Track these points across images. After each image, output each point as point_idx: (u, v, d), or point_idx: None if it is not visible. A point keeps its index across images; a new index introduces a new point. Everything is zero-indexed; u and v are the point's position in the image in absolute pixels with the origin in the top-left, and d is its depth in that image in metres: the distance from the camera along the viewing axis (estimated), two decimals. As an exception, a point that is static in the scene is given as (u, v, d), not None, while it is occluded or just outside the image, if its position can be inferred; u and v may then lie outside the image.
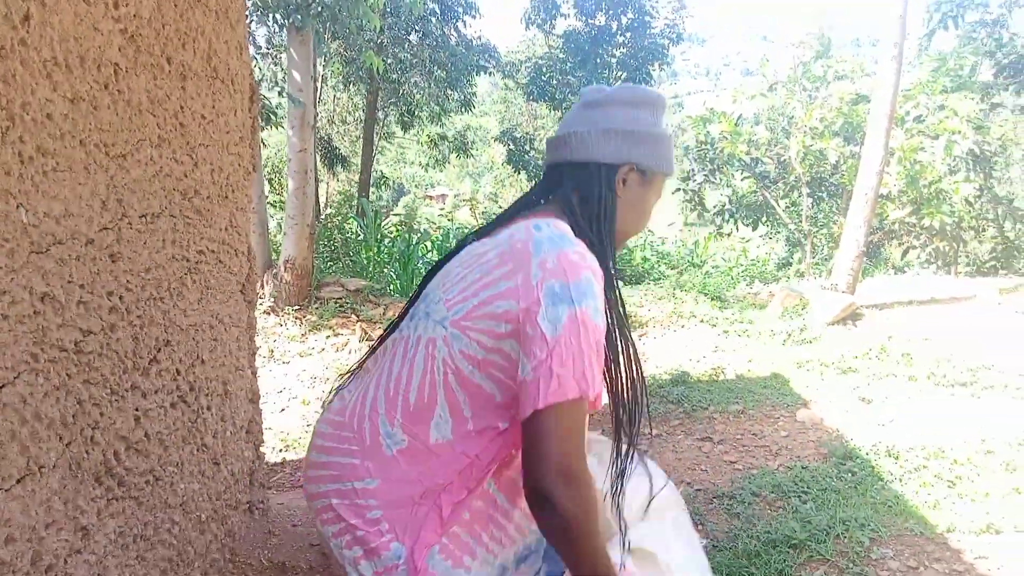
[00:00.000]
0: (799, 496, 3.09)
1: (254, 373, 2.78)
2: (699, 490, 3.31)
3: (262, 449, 2.85)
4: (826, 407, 4.27)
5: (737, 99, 11.06)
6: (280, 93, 9.71)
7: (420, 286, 1.51)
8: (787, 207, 10.99)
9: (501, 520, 1.35)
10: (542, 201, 1.50)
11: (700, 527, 2.88)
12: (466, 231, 9.85)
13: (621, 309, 1.37)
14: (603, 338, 1.22)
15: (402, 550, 1.28)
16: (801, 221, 10.24)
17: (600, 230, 1.38)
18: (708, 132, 11.30)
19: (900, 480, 3.23)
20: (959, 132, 9.04)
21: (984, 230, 10.98)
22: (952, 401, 4.31)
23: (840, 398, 4.37)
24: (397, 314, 1.70)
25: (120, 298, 1.80)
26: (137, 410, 1.88)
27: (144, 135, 1.91)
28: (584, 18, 17.31)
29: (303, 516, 2.88)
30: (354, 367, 1.59)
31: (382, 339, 1.55)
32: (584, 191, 1.40)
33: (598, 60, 17.74)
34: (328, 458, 1.39)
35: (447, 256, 1.51)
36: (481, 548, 1.32)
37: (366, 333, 5.61)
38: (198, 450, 2.28)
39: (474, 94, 17.65)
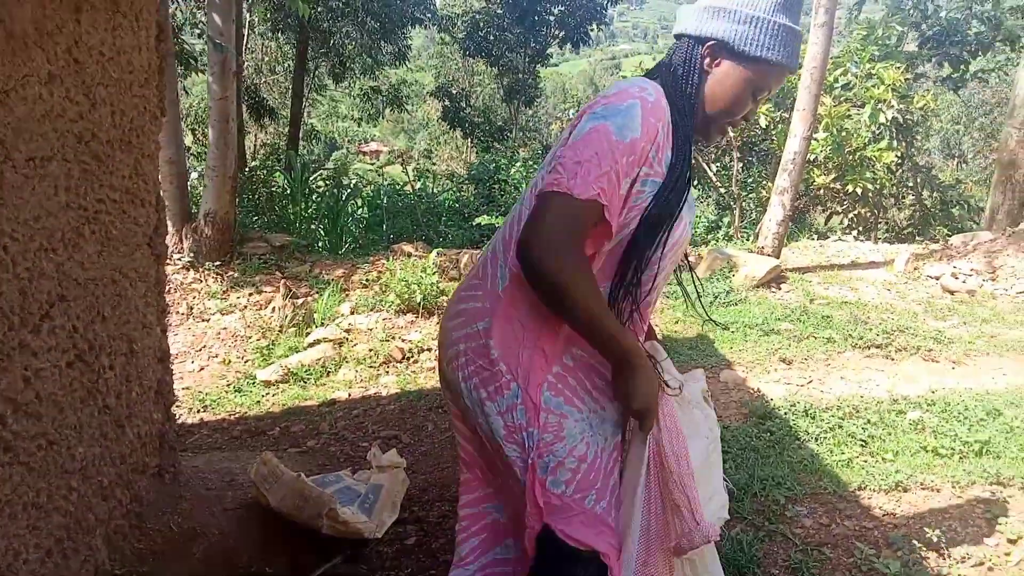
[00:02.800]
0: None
1: (163, 331, 2.64)
2: (624, 449, 3.34)
3: (173, 410, 2.72)
4: (749, 368, 4.36)
5: (672, 61, 11.04)
6: (201, 36, 9.23)
7: None
8: (718, 171, 11.13)
9: (604, 371, 1.43)
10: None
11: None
12: (397, 188, 9.63)
13: (686, 177, 1.41)
14: (624, 157, 1.29)
15: (519, 390, 1.39)
16: (731, 185, 10.39)
17: (681, 101, 1.43)
18: (643, 94, 11.27)
19: (816, 439, 3.32)
20: (885, 100, 9.26)
21: (904, 198, 11.36)
22: (867, 362, 4.46)
23: (762, 359, 4.47)
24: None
25: (3, 248, 1.65)
26: (27, 370, 1.74)
27: (31, 70, 1.74)
28: (523, -27, 17.00)
29: (218, 479, 2.78)
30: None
31: None
32: (675, 62, 1.46)
33: (536, 17, 17.48)
34: (461, 306, 1.50)
35: None
36: (586, 395, 1.43)
37: (289, 290, 5.44)
38: (99, 412, 2.14)
39: (409, 47, 17.19)
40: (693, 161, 1.52)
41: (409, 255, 6.37)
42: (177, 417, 3.91)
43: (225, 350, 4.83)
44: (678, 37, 1.50)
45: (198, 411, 4.03)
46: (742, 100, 1.45)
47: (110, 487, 2.17)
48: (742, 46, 1.41)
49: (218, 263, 5.74)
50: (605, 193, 1.28)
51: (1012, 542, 2.47)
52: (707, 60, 1.44)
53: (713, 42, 1.43)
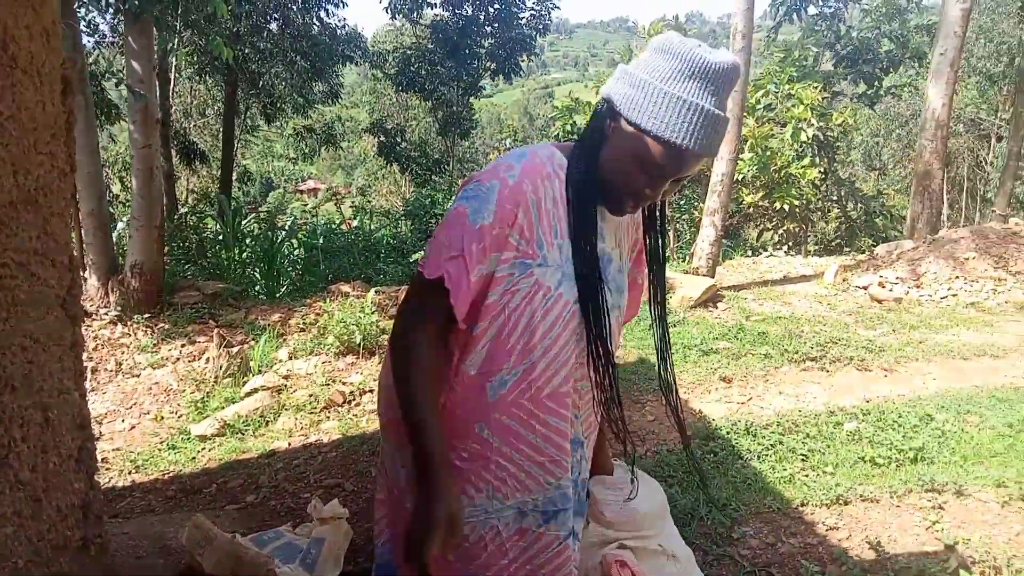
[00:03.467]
0: (665, 480, 3.15)
1: (82, 395, 2.50)
2: (570, 481, 3.31)
3: (98, 477, 2.59)
4: (690, 389, 4.41)
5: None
6: (118, 85, 9.04)
7: None
8: (652, 194, 11.37)
9: (502, 462, 1.42)
10: None
11: (571, 520, 2.87)
12: (332, 225, 9.54)
13: (590, 243, 1.37)
14: (473, 243, 1.29)
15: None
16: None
17: (581, 164, 1.37)
18: (575, 122, 11.49)
19: (758, 457, 3.36)
20: (805, 119, 9.62)
21: (829, 211, 11.78)
22: (804, 376, 4.56)
23: (703, 379, 4.52)
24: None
25: None
26: (-76, 452, 1.63)
27: (-84, 134, 1.65)
28: (451, 8, 17.17)
29: (150, 545, 2.65)
30: None
31: None
32: (589, 123, 1.40)
33: (467, 51, 17.66)
34: None
35: None
36: (484, 484, 1.42)
37: (224, 339, 5.29)
38: (12, 488, 2.02)
39: (341, 84, 17.14)
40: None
41: (347, 295, 6.27)
42: (106, 481, 3.75)
43: (157, 405, 4.65)
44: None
45: (129, 472, 3.85)
46: (626, 171, 1.31)
47: (26, 568, 2.04)
48: (627, 110, 1.28)
49: (147, 315, 5.56)
50: (451, 277, 1.29)
51: (949, 548, 2.53)
52: (608, 122, 1.33)
53: (608, 103, 1.34)
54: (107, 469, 3.84)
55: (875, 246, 9.25)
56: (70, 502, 2.38)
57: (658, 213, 1.49)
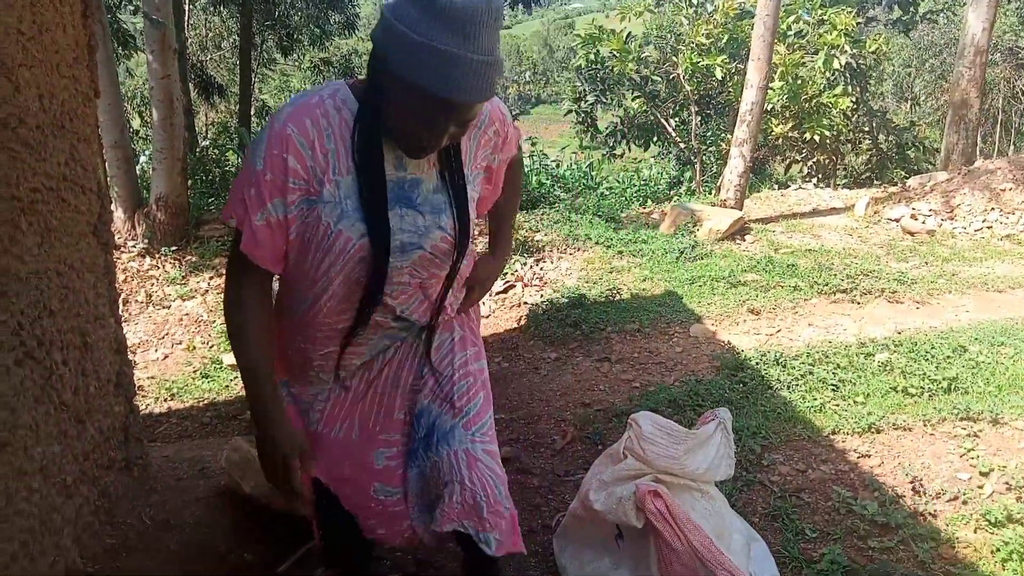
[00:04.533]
0: (694, 409, 3.15)
1: (118, 321, 2.54)
2: (599, 410, 3.33)
3: (139, 401, 2.64)
4: (718, 321, 4.38)
5: (626, 16, 10.94)
6: (136, 14, 8.89)
7: None
8: (677, 126, 11.12)
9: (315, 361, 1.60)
10: None
11: (600, 446, 2.90)
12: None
13: (370, 174, 1.36)
14: (250, 187, 1.32)
15: None
16: (691, 139, 10.39)
17: (367, 110, 1.34)
18: (598, 51, 11.19)
19: (788, 387, 3.35)
20: (838, 46, 9.29)
21: (860, 143, 11.48)
22: (834, 308, 4.51)
23: (731, 311, 4.49)
24: None
25: (-70, 245, 1.55)
26: (-30, 372, 1.66)
27: (-57, 52, 1.62)
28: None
29: (189, 468, 2.71)
30: None
31: None
32: (371, 60, 1.34)
33: (486, -22, 17.14)
34: None
35: None
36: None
37: (252, 271, 5.32)
38: (55, 409, 2.06)
39: (357, 15, 16.77)
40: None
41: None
42: (143, 407, 3.82)
43: (188, 336, 4.72)
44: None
45: (165, 400, 3.93)
46: (401, 120, 1.28)
47: (74, 485, 2.09)
48: (387, 59, 1.23)
49: (174, 248, 5.59)
50: (239, 218, 1.35)
51: (984, 475, 2.52)
52: (380, 69, 1.28)
53: (381, 53, 1.27)
54: (143, 396, 3.91)
55: (907, 178, 9.03)
56: (111, 424, 2.43)
57: (452, 155, 1.46)
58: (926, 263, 5.40)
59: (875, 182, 10.34)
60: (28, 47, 1.97)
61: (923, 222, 6.55)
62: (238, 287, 1.43)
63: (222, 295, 1.47)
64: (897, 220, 6.66)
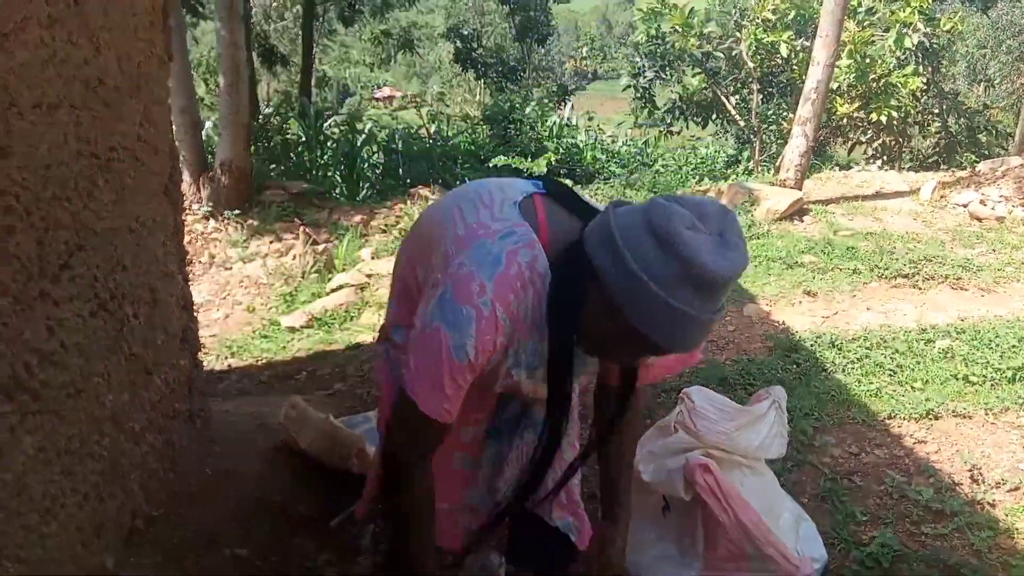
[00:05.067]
0: (745, 388, 3.13)
1: (185, 279, 2.63)
2: (648, 385, 3.32)
3: (201, 357, 2.74)
4: (773, 301, 4.31)
5: (689, -9, 10.70)
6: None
7: None
8: (737, 104, 10.88)
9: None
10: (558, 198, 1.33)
11: (649, 420, 2.90)
12: (412, 132, 9.52)
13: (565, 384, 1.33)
14: (465, 373, 1.23)
15: None
16: (751, 118, 10.16)
17: (562, 305, 1.22)
18: (659, 27, 10.98)
19: (843, 370, 3.29)
20: (910, 24, 8.94)
21: (929, 125, 11.06)
22: (894, 292, 4.39)
23: (786, 292, 4.41)
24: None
25: (16, 197, 1.62)
26: (49, 319, 1.74)
27: (29, 12, 1.69)
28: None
29: (248, 423, 2.81)
30: None
31: None
32: (569, 256, 1.20)
33: (547, -49, 16.95)
34: None
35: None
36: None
37: (310, 237, 5.43)
38: (126, 360, 2.15)
39: (418, -13, 16.80)
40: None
41: (426, 198, 6.31)
42: (206, 364, 3.96)
43: (249, 298, 4.85)
44: (586, 231, 1.19)
45: (226, 358, 4.07)
46: (605, 345, 1.23)
47: (141, 433, 2.19)
48: (612, 292, 1.11)
49: (237, 212, 5.74)
50: (451, 412, 1.27)
51: (1047, 466, 2.45)
52: (588, 280, 1.16)
53: (588, 262, 1.15)
54: (206, 354, 4.04)
55: (977, 163, 8.69)
56: (177, 377, 2.53)
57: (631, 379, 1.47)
58: (993, 250, 5.21)
59: (942, 166, 9.97)
60: (108, 10, 2.03)
61: (992, 208, 6.30)
62: (420, 479, 1.35)
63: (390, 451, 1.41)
64: (965, 205, 6.42)
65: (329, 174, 7.77)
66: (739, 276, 1.11)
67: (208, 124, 7.85)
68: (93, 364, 1.93)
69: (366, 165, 8.53)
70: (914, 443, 2.63)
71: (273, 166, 7.58)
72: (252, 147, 6.32)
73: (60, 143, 1.81)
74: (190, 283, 2.72)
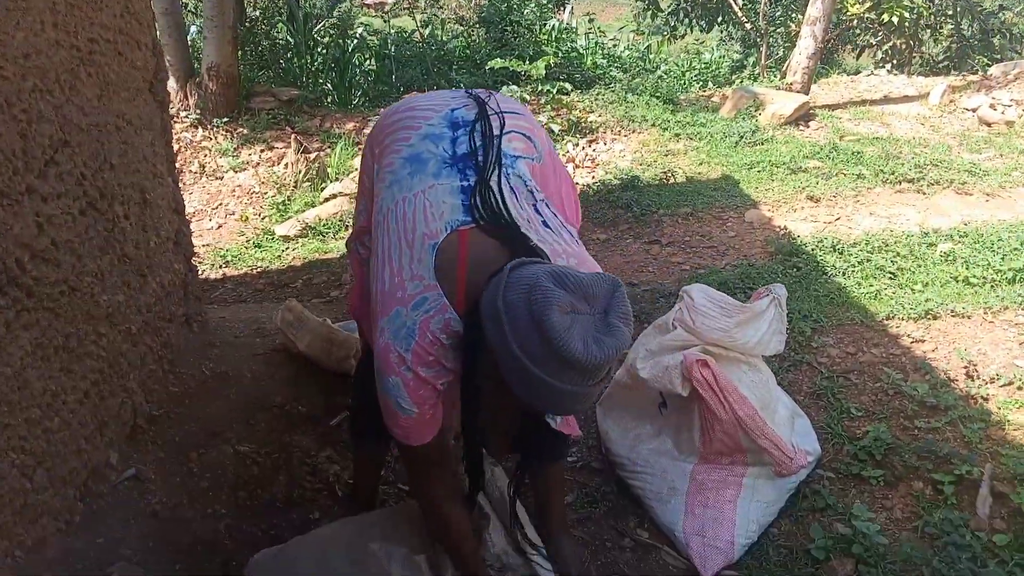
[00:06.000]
0: (744, 292, 3.11)
1: (175, 181, 2.58)
2: (646, 290, 3.32)
3: (195, 262, 2.71)
4: (775, 207, 4.26)
5: None
6: None
7: None
8: (744, 5, 10.48)
9: None
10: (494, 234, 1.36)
11: (645, 324, 2.90)
12: (405, 36, 9.19)
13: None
14: (418, 416, 1.37)
15: None
16: (758, 20, 9.81)
17: (466, 355, 1.31)
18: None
19: (844, 274, 3.28)
20: (927, -82, 8.52)
21: (941, 28, 10.68)
22: (898, 198, 4.34)
23: (789, 198, 4.36)
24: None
25: (-7, 86, 1.56)
26: (38, 216, 1.70)
27: None
28: None
29: (246, 328, 2.81)
30: None
31: None
32: (476, 318, 1.24)
33: None
34: None
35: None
36: None
37: (302, 145, 5.32)
38: (119, 261, 2.13)
39: None
40: None
41: (422, 105, 6.14)
42: (200, 272, 3.95)
43: (241, 207, 4.79)
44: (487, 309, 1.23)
45: (220, 267, 4.05)
46: (490, 406, 1.34)
47: (139, 334, 2.19)
48: (504, 372, 1.19)
49: (226, 119, 5.60)
50: (434, 426, 1.41)
51: (1043, 364, 2.46)
52: (482, 343, 1.24)
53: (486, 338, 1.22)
54: (199, 262, 4.02)
55: (989, 66, 8.44)
56: (171, 280, 2.51)
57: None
58: (1001, 155, 5.11)
59: (953, 71, 9.70)
60: None
61: (1002, 112, 6.15)
62: (441, 496, 1.53)
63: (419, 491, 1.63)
64: (974, 110, 6.27)
65: (320, 81, 7.54)
66: (617, 358, 1.16)
67: (193, 29, 7.56)
68: (85, 263, 1.90)
69: (358, 72, 8.27)
70: (911, 342, 2.64)
71: (262, 72, 7.35)
72: (240, 52, 6.11)
73: (37, 31, 1.73)
74: (181, 193, 2.68)
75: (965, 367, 2.44)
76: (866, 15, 8.65)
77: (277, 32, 8.15)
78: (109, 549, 1.75)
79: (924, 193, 4.38)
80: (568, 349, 1.10)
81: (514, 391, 1.19)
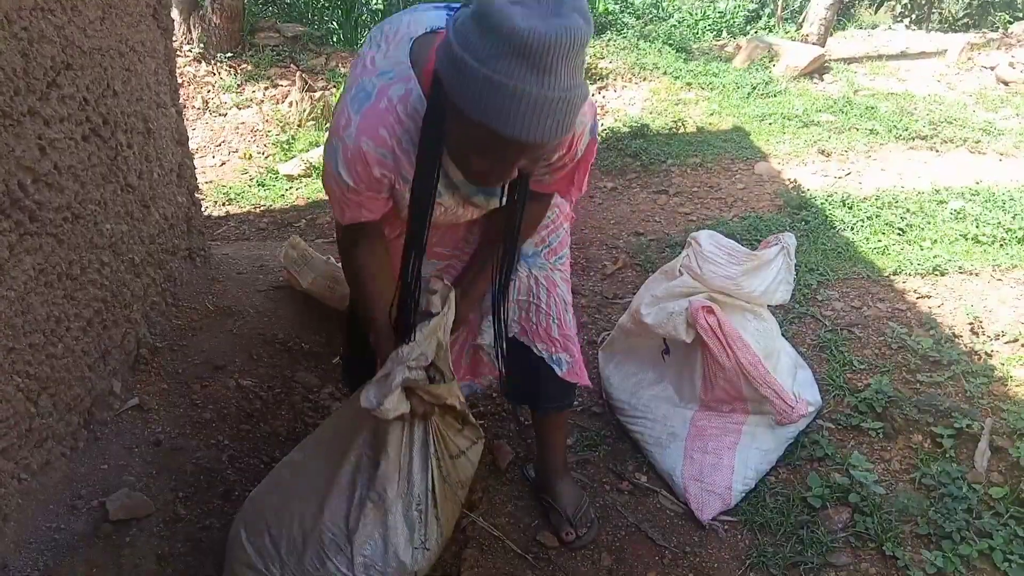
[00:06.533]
0: (750, 244, 3.09)
1: (179, 112, 2.53)
2: (652, 240, 3.30)
3: (198, 196, 2.68)
4: (785, 160, 4.21)
5: None
6: None
7: None
8: (761, -46, 10.19)
9: None
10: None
11: (650, 272, 2.89)
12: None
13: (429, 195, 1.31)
14: (353, 195, 1.33)
15: None
16: (775, -30, 9.55)
17: (429, 140, 1.23)
18: None
19: (852, 228, 3.25)
20: None
21: (962, -18, 10.42)
22: (911, 154, 4.28)
23: (800, 151, 4.30)
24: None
25: (-8, 1, 1.51)
26: (40, 139, 1.67)
27: None
28: None
29: (249, 264, 2.80)
30: None
31: None
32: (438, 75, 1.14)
33: None
34: None
35: None
36: None
37: (307, 83, 5.22)
38: (122, 190, 2.10)
39: None
40: None
41: (429, 46, 6.02)
42: (203, 209, 3.92)
43: (244, 145, 4.73)
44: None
45: (223, 204, 4.01)
46: (465, 156, 1.21)
47: (142, 265, 2.17)
48: (451, 93, 1.09)
49: (230, 55, 5.49)
50: (369, 213, 1.39)
51: (1049, 322, 2.45)
52: (444, 98, 1.13)
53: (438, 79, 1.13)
54: (202, 199, 3.99)
55: (1011, 23, 8.24)
56: (175, 213, 2.48)
57: (517, 189, 1.35)
58: (1017, 114, 5.02)
59: (973, 28, 9.49)
60: None
61: (1022, 71, 6.03)
62: (364, 255, 1.49)
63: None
64: (992, 68, 6.14)
65: (326, 18, 7.38)
66: (566, 48, 1.01)
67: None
68: (88, 190, 1.88)
69: (365, 10, 8.10)
70: (917, 298, 2.62)
71: (266, 6, 7.19)
72: (245, -15, 5.96)
73: (34, -55, 1.67)
74: (184, 124, 2.63)
75: (970, 323, 2.43)
76: (887, -33, 8.42)
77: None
78: (113, 475, 1.77)
79: (936, 151, 4.32)
80: (507, 25, 0.99)
81: (466, 113, 1.07)
